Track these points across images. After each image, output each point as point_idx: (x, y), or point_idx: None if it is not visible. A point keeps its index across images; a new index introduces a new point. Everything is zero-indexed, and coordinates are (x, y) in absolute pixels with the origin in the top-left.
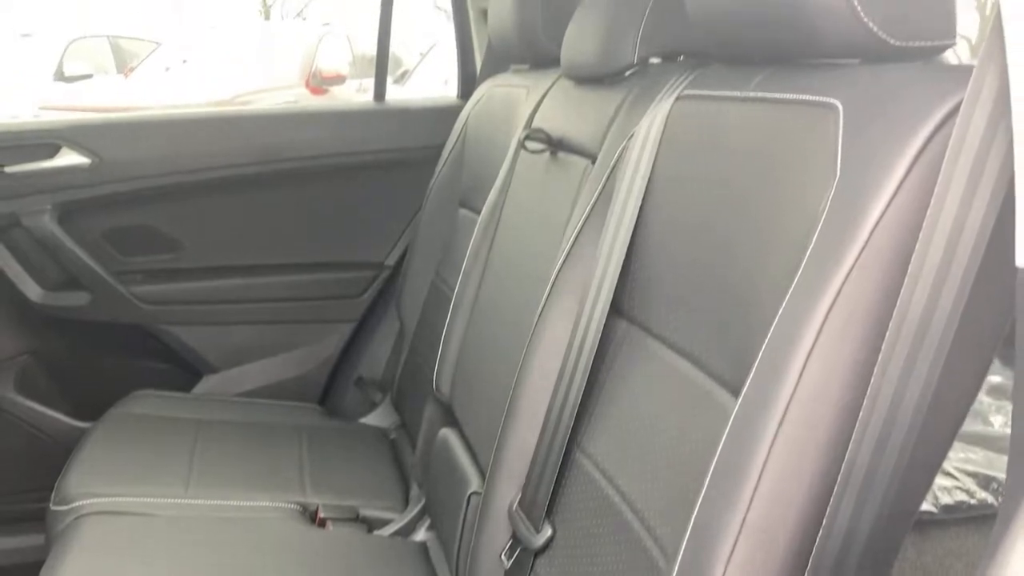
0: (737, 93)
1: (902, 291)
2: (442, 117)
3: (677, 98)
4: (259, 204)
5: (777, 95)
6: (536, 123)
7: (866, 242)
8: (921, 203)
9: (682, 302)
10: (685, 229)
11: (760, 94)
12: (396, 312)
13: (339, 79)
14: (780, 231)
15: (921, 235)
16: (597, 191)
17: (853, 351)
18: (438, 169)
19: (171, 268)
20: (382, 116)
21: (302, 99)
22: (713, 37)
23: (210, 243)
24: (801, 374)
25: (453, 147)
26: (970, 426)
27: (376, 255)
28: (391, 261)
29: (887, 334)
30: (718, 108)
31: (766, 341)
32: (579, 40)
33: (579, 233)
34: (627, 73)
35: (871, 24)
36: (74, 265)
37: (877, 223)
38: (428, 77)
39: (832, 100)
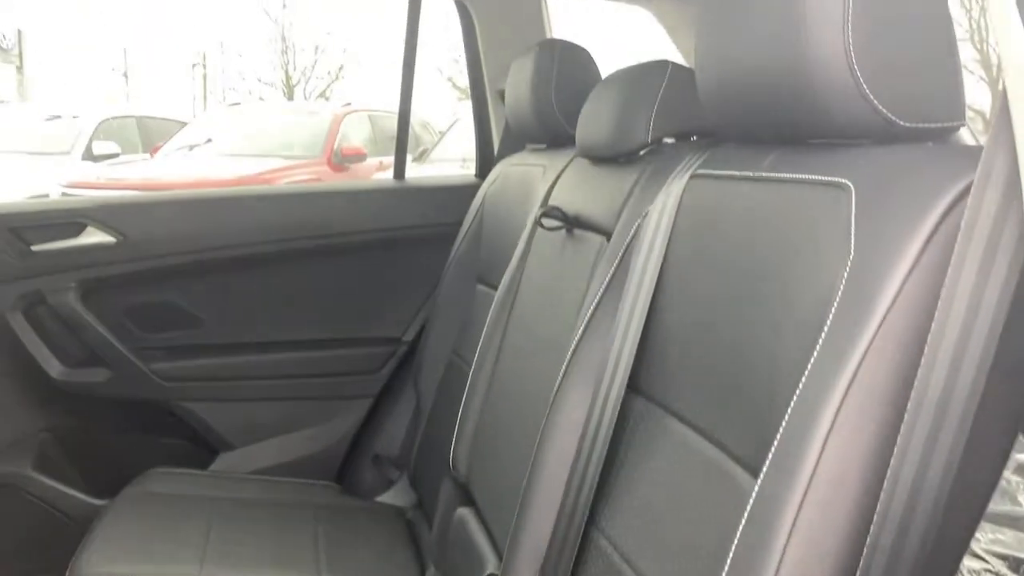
0: (749, 173)
1: (919, 370)
2: (460, 195)
3: (691, 177)
4: (279, 281)
5: (789, 175)
6: (552, 201)
7: (882, 321)
8: (935, 282)
9: (699, 380)
10: (700, 307)
11: (772, 174)
12: (413, 388)
13: (360, 156)
14: (795, 310)
15: (937, 314)
16: (612, 268)
17: (872, 432)
18: (456, 246)
19: (191, 344)
20: (401, 194)
21: (324, 176)
22: (725, 118)
23: (230, 319)
24: (820, 455)
25: (471, 224)
26: (998, 506)
27: (394, 331)
28: (408, 337)
29: (906, 414)
30: (731, 187)
31: (784, 422)
32: (594, 121)
33: (595, 310)
34: (641, 152)
35: (880, 106)
36: (96, 342)
37: (893, 303)
38: (448, 154)
39: (844, 180)
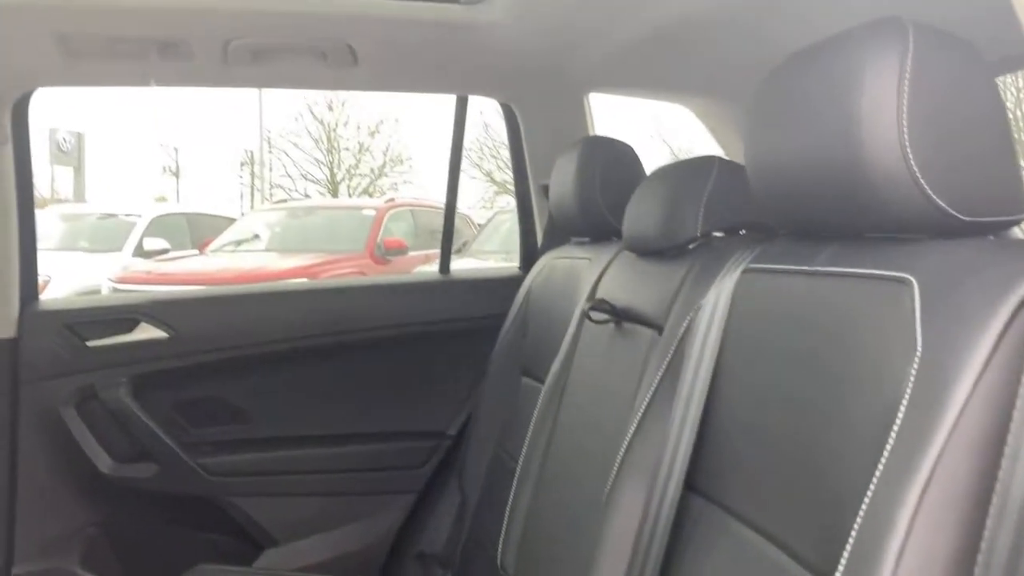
0: (805, 267)
1: (1000, 473)
2: (504, 288)
3: (743, 271)
4: (325, 375)
5: (848, 269)
6: (599, 294)
7: (956, 421)
8: (1011, 379)
9: (760, 479)
10: (759, 403)
11: (830, 268)
12: (457, 484)
13: (402, 249)
14: (859, 407)
15: (1016, 412)
16: (665, 362)
17: (953, 538)
18: (500, 338)
19: (238, 439)
20: (445, 287)
21: (367, 268)
22: (778, 213)
23: (276, 414)
24: (899, 560)
25: (516, 316)
26: None
27: (438, 424)
28: (453, 431)
29: (988, 519)
30: (786, 282)
31: (856, 527)
32: (642, 214)
33: (648, 405)
34: (691, 246)
35: (939, 200)
36: (145, 437)
37: (967, 402)
38: (488, 246)
39: (906, 275)
